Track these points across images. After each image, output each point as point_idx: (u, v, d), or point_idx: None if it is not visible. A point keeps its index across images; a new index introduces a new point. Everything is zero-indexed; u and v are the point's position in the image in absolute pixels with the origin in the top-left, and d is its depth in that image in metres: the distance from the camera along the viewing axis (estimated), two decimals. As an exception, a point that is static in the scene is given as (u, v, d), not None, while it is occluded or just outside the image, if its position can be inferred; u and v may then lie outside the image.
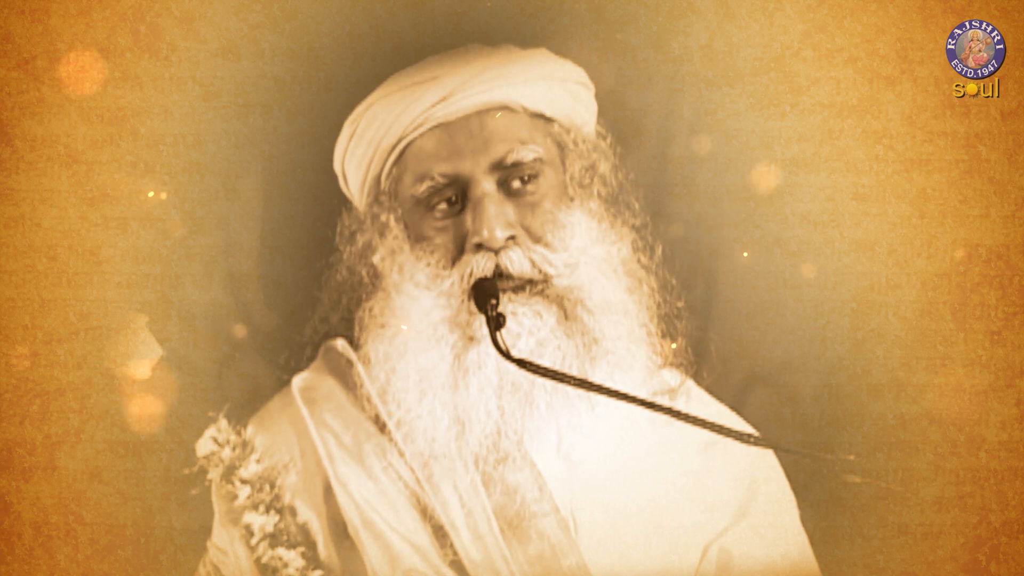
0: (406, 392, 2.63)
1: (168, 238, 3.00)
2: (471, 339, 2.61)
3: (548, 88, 2.73)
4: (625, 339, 2.67)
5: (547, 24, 3.02)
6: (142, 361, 2.94)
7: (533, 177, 2.67)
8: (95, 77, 2.95)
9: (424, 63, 2.73)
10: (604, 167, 2.80)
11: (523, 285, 2.62)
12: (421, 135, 2.68)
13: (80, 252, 2.96)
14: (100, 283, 2.97)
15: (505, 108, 2.69)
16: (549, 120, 2.74)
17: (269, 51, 3.00)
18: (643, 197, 2.87)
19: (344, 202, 2.86)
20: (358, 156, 2.75)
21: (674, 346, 2.79)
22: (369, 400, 2.71)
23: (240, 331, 3.05)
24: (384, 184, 2.74)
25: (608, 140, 2.84)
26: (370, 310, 2.72)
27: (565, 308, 2.64)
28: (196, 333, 3.02)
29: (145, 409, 2.96)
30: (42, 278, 2.95)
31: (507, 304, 2.60)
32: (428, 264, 2.65)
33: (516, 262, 2.62)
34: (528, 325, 2.61)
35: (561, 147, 2.74)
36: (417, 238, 2.68)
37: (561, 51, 2.81)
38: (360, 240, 2.78)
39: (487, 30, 2.93)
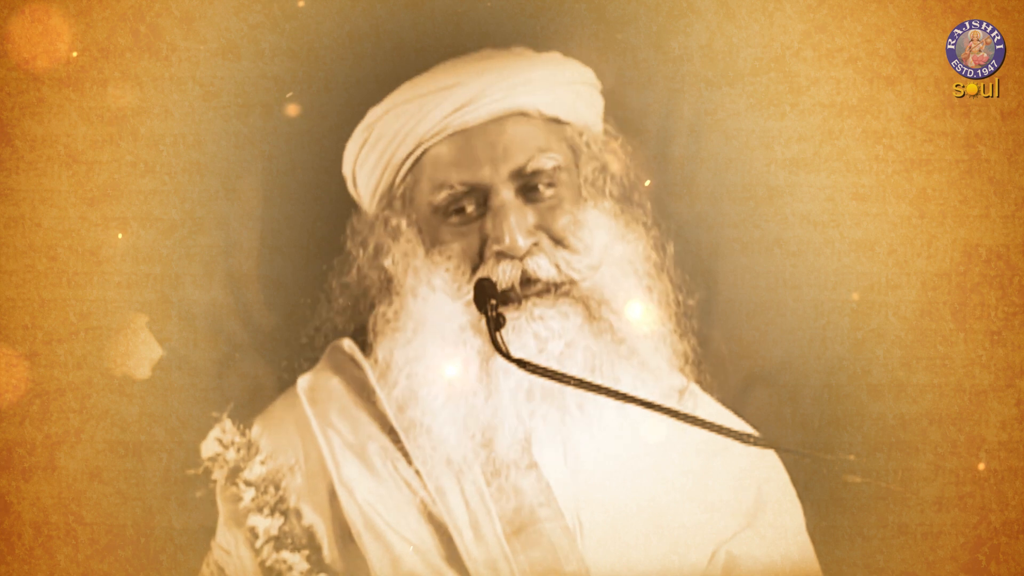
0: (429, 398, 2.61)
1: (168, 238, 3.00)
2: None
3: (563, 93, 2.73)
4: (650, 338, 2.67)
5: (547, 24, 3.02)
6: (142, 361, 2.93)
7: (551, 184, 2.66)
8: (95, 77, 2.95)
9: (439, 69, 2.72)
10: (615, 167, 2.80)
11: (548, 288, 2.62)
12: (437, 142, 2.68)
13: (80, 252, 2.96)
14: (100, 283, 2.96)
15: (522, 114, 2.68)
16: (563, 123, 2.74)
17: (269, 51, 2.99)
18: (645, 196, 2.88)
19: (352, 204, 2.86)
20: (371, 162, 2.74)
21: (688, 344, 2.79)
22: (376, 402, 2.70)
23: (240, 331, 3.04)
24: (398, 189, 2.74)
25: (619, 141, 2.84)
26: (383, 313, 2.70)
27: (590, 308, 2.63)
28: (196, 333, 3.02)
29: (145, 409, 2.96)
30: (42, 278, 2.95)
31: (533, 308, 2.59)
32: (447, 270, 2.64)
33: (544, 268, 2.61)
34: (556, 328, 2.60)
35: (574, 149, 2.74)
36: (433, 242, 2.68)
37: (561, 51, 2.81)
38: (371, 243, 2.77)
39: (487, 30, 2.93)
